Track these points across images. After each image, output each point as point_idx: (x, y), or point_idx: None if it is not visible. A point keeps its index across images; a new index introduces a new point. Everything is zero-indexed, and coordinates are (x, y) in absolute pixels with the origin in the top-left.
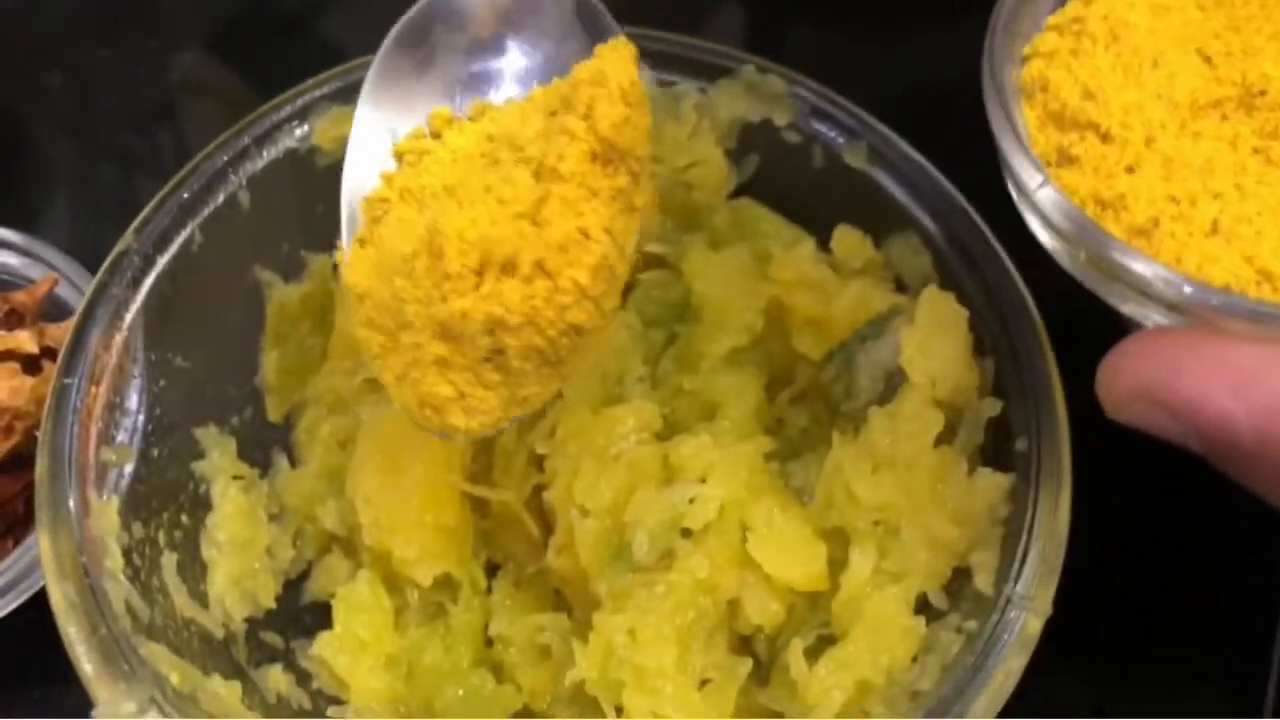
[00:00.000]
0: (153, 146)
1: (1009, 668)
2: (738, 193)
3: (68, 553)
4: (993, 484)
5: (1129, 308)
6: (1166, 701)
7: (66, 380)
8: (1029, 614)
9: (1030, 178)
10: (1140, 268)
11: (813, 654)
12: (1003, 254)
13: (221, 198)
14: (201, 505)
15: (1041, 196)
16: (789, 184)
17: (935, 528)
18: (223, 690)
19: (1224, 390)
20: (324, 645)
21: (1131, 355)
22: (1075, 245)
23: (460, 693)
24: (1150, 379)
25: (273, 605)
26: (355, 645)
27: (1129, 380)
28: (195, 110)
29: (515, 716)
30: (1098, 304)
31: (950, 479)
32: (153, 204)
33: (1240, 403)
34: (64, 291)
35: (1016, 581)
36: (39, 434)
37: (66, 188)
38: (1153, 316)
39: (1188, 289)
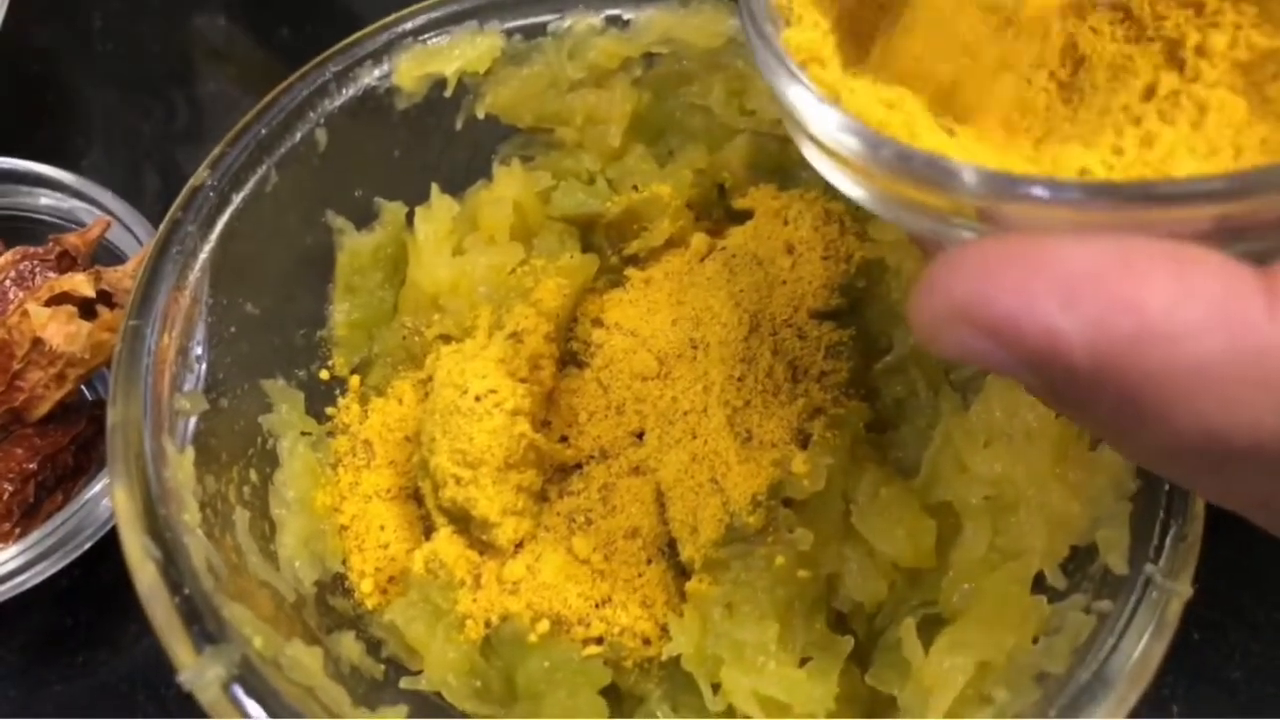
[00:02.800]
0: (192, 96)
1: (1150, 653)
2: None
3: (145, 504)
4: (1118, 458)
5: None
6: None
7: (136, 322)
8: (1173, 596)
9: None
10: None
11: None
12: None
13: (299, 135)
14: (269, 461)
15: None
16: None
17: (1055, 504)
18: (305, 658)
19: (1050, 301)
20: (397, 611)
21: (944, 269)
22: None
23: (545, 664)
24: (964, 295)
25: (340, 569)
26: (430, 612)
27: (941, 300)
28: (238, 58)
29: (604, 694)
30: None
31: (1072, 452)
32: (228, 138)
33: (1070, 315)
34: (115, 236)
35: (1156, 560)
36: (111, 378)
37: (107, 133)
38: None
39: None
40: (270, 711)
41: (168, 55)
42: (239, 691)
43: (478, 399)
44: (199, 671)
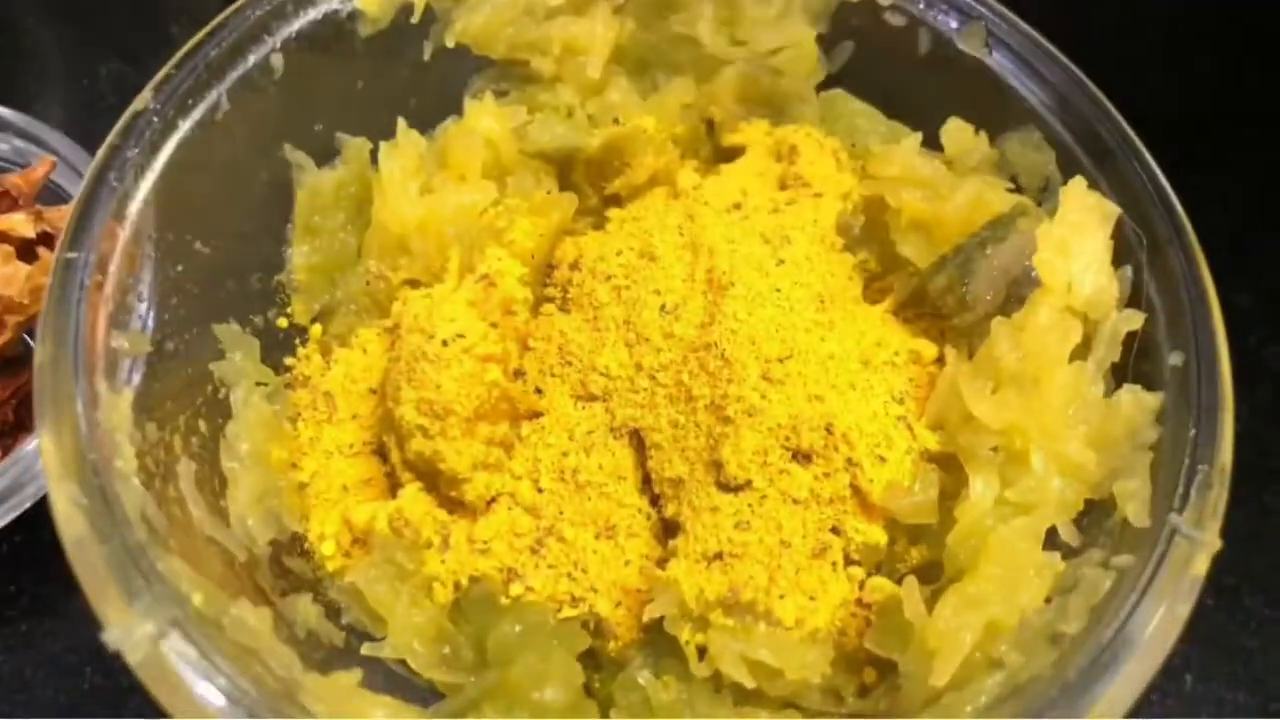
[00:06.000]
0: (152, 38)
1: (1175, 611)
2: (827, 86)
3: (73, 449)
4: (1138, 404)
5: None
6: None
7: (71, 254)
8: (1199, 549)
9: None
10: None
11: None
12: (1144, 150)
13: (252, 60)
14: (221, 411)
15: None
16: (888, 75)
17: (1069, 453)
18: (252, 617)
19: None
20: (359, 574)
21: None
22: None
23: (518, 629)
24: None
25: (299, 529)
26: (394, 574)
27: None
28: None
29: (583, 660)
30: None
31: (1086, 398)
32: (175, 60)
33: None
34: (64, 180)
35: (1181, 511)
36: (40, 318)
37: (63, 74)
38: None
39: None
40: (205, 674)
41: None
42: (171, 651)
43: (445, 344)
44: (128, 629)
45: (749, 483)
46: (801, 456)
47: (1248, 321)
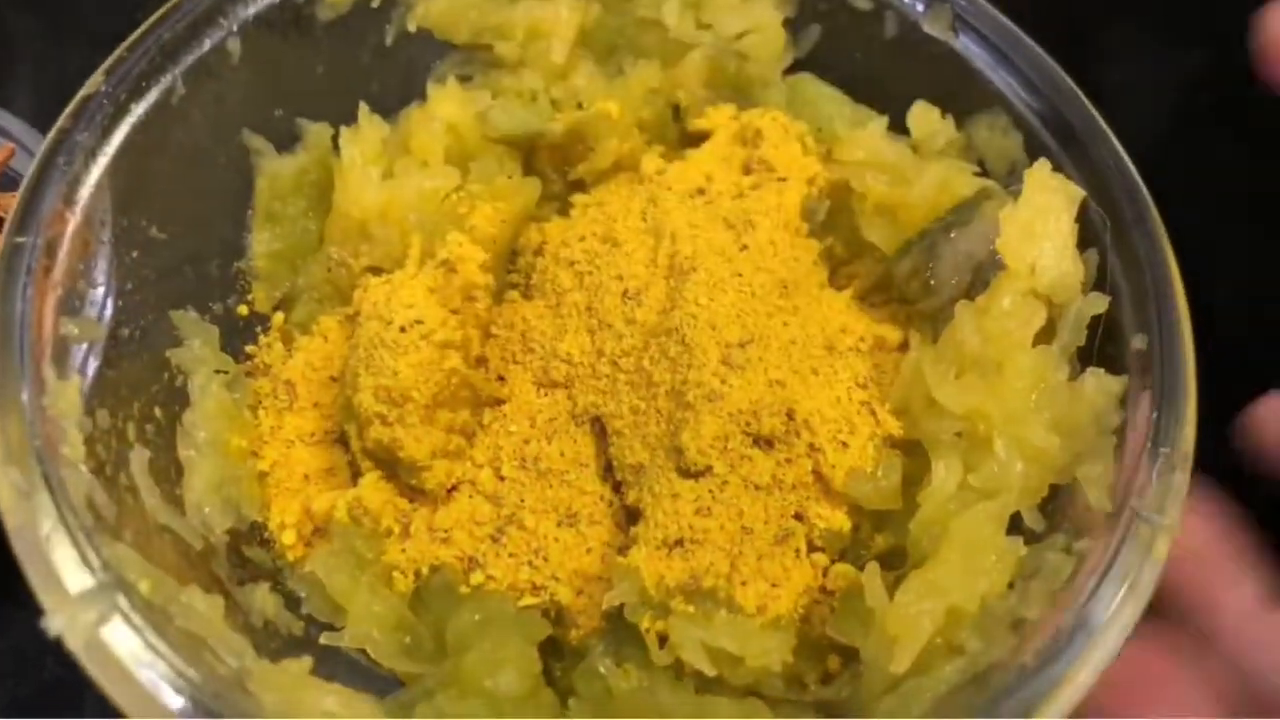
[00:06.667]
0: (125, 26)
1: (1137, 594)
2: (794, 71)
3: (16, 433)
4: (1101, 388)
5: None
6: None
7: (19, 239)
8: (1160, 532)
9: None
10: None
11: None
12: (1110, 133)
13: (208, 44)
14: (178, 399)
15: None
16: (855, 59)
17: (1033, 438)
18: (202, 605)
19: None
20: (317, 562)
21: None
22: None
23: (477, 617)
24: None
25: (258, 518)
26: (353, 562)
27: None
28: None
29: (543, 648)
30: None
31: (1049, 383)
32: (127, 43)
33: None
34: (23, 167)
35: (1142, 495)
36: None
37: (30, 63)
38: None
39: None
40: (149, 662)
41: None
42: (115, 638)
43: (403, 330)
44: (70, 616)
45: (709, 469)
46: (763, 442)
47: None
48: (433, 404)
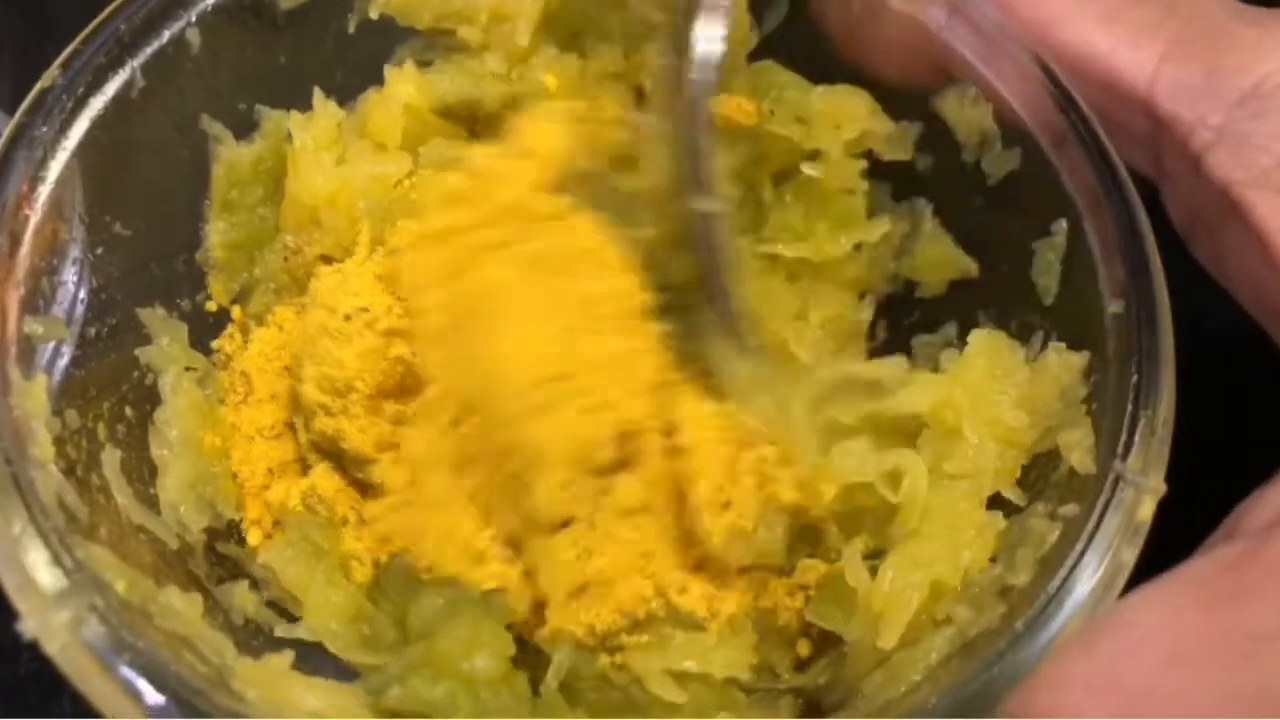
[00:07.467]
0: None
1: (1121, 558)
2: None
3: None
4: (1064, 364)
5: None
6: None
7: None
8: (1145, 494)
9: None
10: None
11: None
12: (1080, 100)
13: (166, 36)
14: (149, 398)
15: None
16: (820, 36)
17: (1002, 417)
18: (180, 603)
19: None
20: (273, 553)
21: None
22: None
23: (440, 602)
24: None
25: (236, 516)
26: (309, 552)
27: None
28: None
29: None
30: None
31: (1007, 364)
32: (81, 36)
33: None
34: None
35: (1125, 457)
36: None
37: (11, 58)
38: None
39: None
40: (128, 662)
41: None
42: (93, 640)
43: (347, 318)
44: (45, 619)
45: (570, 519)
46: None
47: None
48: (377, 394)
